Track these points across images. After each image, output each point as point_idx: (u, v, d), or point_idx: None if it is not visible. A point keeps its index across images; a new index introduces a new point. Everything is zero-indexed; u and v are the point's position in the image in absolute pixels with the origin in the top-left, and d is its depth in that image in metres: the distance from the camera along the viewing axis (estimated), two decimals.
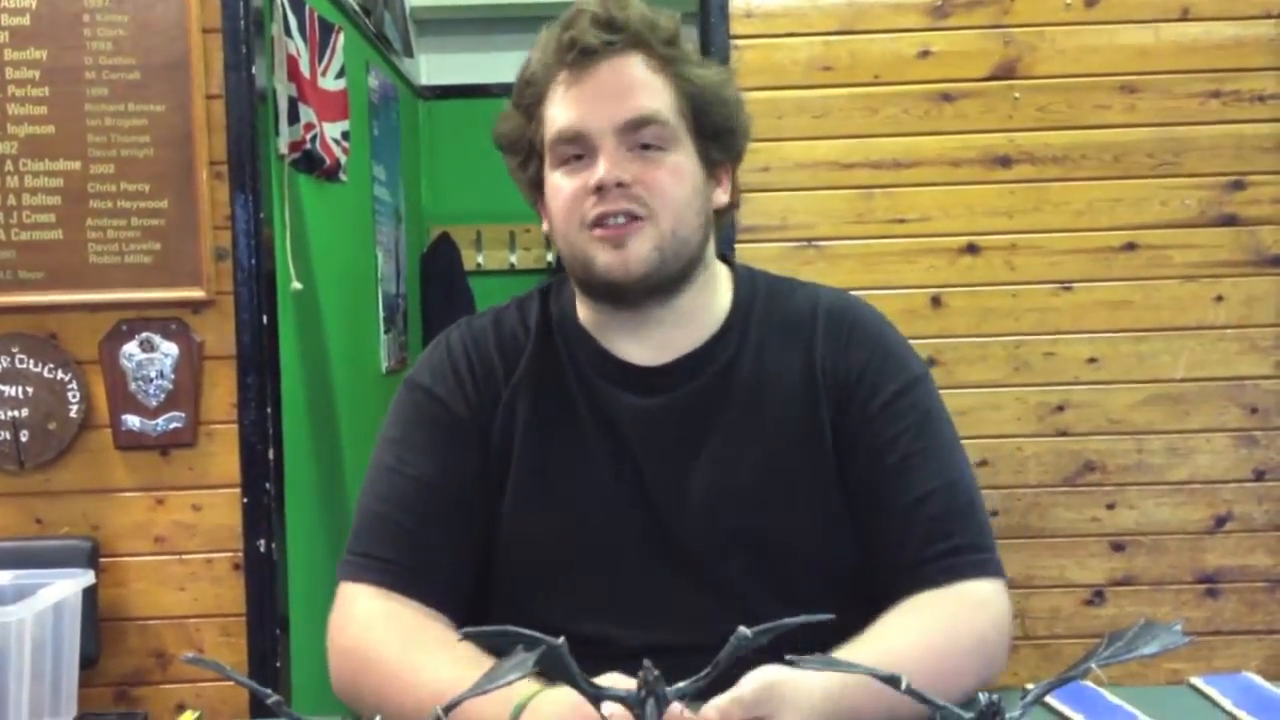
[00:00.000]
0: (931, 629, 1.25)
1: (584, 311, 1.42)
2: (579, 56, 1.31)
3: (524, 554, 1.38)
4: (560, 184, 1.34)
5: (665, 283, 1.34)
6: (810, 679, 1.09)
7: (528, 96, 1.36)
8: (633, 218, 1.30)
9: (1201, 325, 2.73)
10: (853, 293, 1.49)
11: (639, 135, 1.31)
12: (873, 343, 1.40)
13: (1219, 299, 2.72)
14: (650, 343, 1.39)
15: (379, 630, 1.30)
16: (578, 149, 1.33)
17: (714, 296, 1.41)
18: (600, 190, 1.30)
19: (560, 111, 1.33)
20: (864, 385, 1.37)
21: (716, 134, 1.37)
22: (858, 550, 1.36)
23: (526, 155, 1.39)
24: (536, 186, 1.40)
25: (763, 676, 1.07)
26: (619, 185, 1.30)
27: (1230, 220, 2.72)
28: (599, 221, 1.31)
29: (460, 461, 1.38)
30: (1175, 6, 2.71)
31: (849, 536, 1.36)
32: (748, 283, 1.45)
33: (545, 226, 1.41)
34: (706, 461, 1.36)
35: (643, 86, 1.32)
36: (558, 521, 1.37)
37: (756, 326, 1.41)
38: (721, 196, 1.41)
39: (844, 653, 1.14)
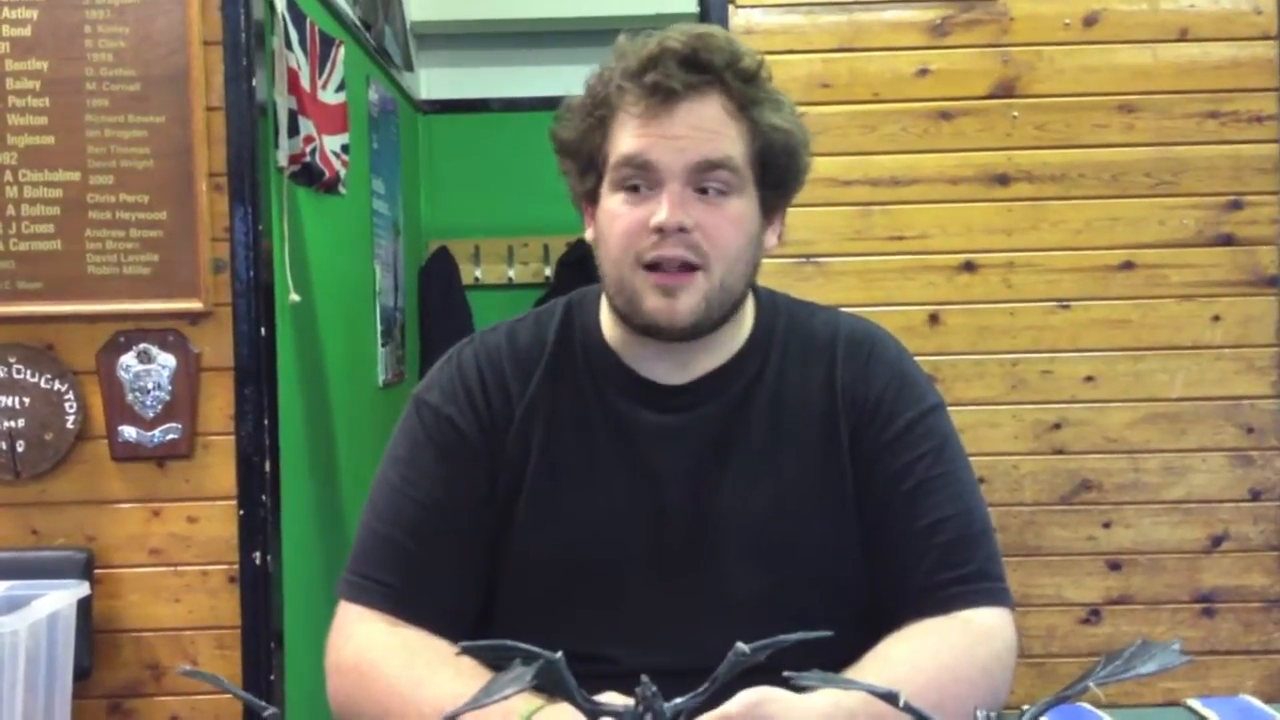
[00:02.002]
0: (934, 657, 1.24)
1: (611, 329, 1.40)
2: (662, 97, 1.28)
3: (533, 574, 1.37)
4: (618, 211, 1.31)
5: (707, 330, 1.34)
6: (802, 700, 1.09)
7: (598, 112, 1.33)
8: (686, 266, 1.29)
9: (1198, 345, 2.73)
10: (856, 311, 1.50)
11: (706, 178, 1.29)
12: (891, 370, 1.40)
13: (1216, 319, 2.73)
14: (675, 363, 1.38)
15: (380, 648, 1.30)
16: (641, 179, 1.30)
17: (740, 319, 1.41)
18: (660, 231, 1.28)
19: (630, 138, 1.30)
20: (881, 411, 1.37)
21: (780, 182, 1.36)
22: (869, 573, 1.36)
23: (585, 166, 1.36)
24: (590, 197, 1.37)
25: (751, 695, 1.06)
26: (680, 230, 1.28)
27: (1227, 240, 2.73)
28: (654, 264, 1.29)
29: (467, 484, 1.36)
30: (1174, 27, 2.72)
31: (863, 561, 1.36)
32: (769, 305, 1.44)
33: (589, 234, 1.39)
34: (725, 481, 1.36)
35: (718, 131, 1.29)
36: (569, 540, 1.36)
37: (778, 348, 1.41)
38: (771, 238, 1.39)
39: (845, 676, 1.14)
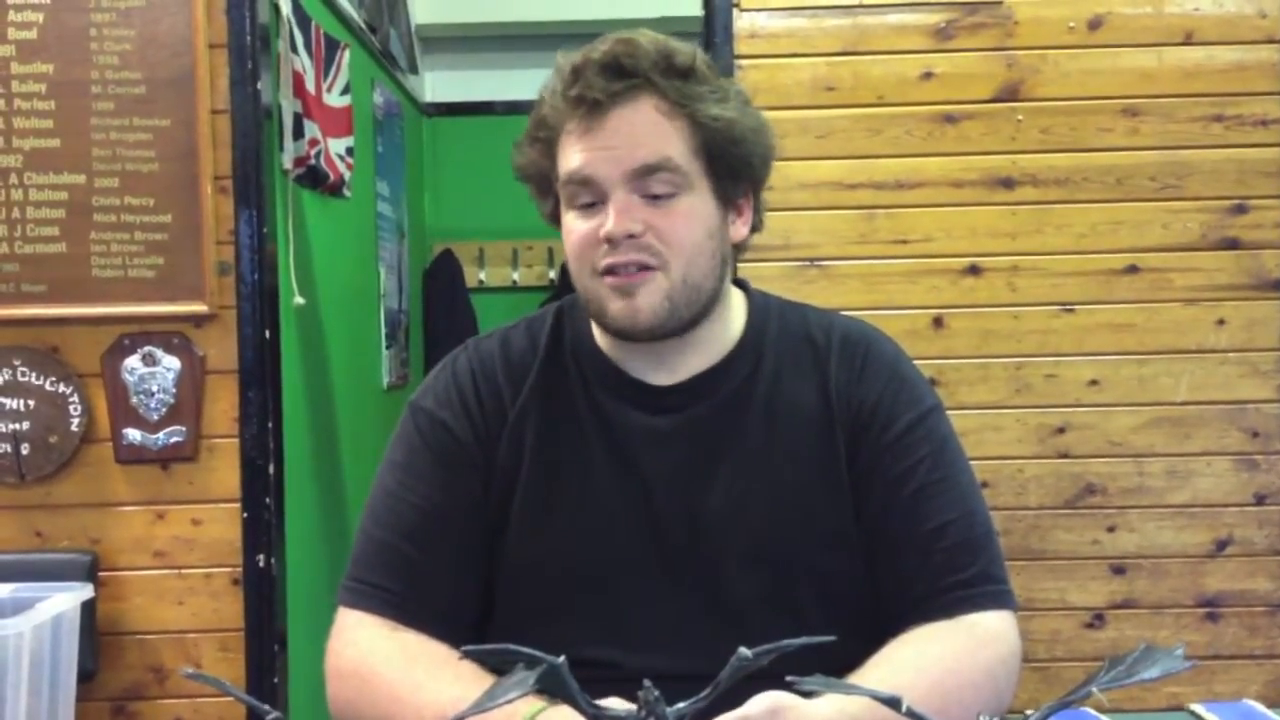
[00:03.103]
0: (938, 661, 1.24)
1: (599, 333, 1.41)
2: (588, 108, 1.29)
3: (529, 578, 1.37)
4: (573, 226, 1.33)
5: (678, 328, 1.34)
6: (815, 708, 1.09)
7: (542, 135, 1.34)
8: (643, 268, 1.29)
9: (1203, 349, 2.73)
10: (857, 315, 1.49)
11: (648, 183, 1.29)
12: (888, 372, 1.40)
13: (1220, 322, 2.73)
14: (665, 365, 1.38)
15: (379, 653, 1.30)
16: (589, 195, 1.31)
17: (728, 320, 1.41)
18: (610, 241, 1.29)
19: (571, 156, 1.31)
20: (879, 416, 1.37)
21: (733, 172, 1.35)
22: (870, 578, 1.36)
23: (544, 189, 1.37)
24: (555, 219, 1.38)
25: (769, 700, 1.07)
26: (629, 236, 1.28)
27: (1232, 244, 2.72)
28: (610, 270, 1.30)
29: (463, 489, 1.37)
30: (1178, 30, 2.72)
31: (862, 564, 1.36)
32: (761, 307, 1.44)
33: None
34: (718, 482, 1.35)
35: (652, 134, 1.29)
36: (563, 544, 1.36)
37: (771, 350, 1.40)
38: (741, 229, 1.39)
39: (849, 680, 1.14)
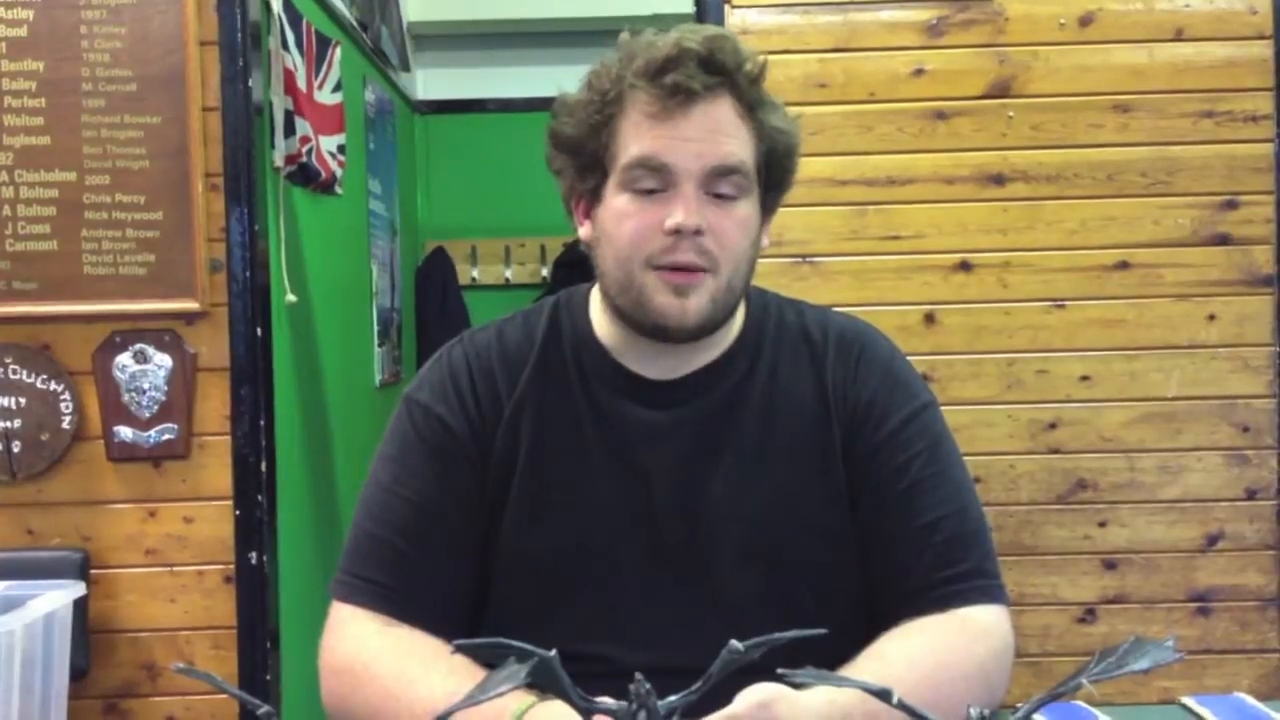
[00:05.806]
0: (930, 654, 1.24)
1: (602, 326, 1.40)
2: (683, 98, 1.28)
3: (524, 572, 1.37)
4: (627, 210, 1.30)
5: (710, 331, 1.34)
6: (805, 699, 1.09)
7: (606, 110, 1.32)
8: (697, 269, 1.29)
9: (1194, 344, 2.73)
10: (849, 311, 1.50)
11: (720, 182, 1.29)
12: (883, 369, 1.40)
13: (1211, 318, 2.73)
14: (666, 361, 1.38)
15: (373, 648, 1.30)
16: (655, 181, 1.29)
17: (731, 318, 1.40)
18: (676, 234, 1.27)
19: (644, 139, 1.29)
20: (874, 412, 1.37)
21: (779, 184, 1.37)
22: (864, 573, 1.36)
23: (588, 164, 1.34)
24: (590, 196, 1.36)
25: (757, 694, 1.07)
26: (695, 233, 1.28)
27: (1223, 240, 2.73)
28: (669, 265, 1.29)
29: (458, 483, 1.36)
30: (1169, 27, 2.73)
31: (857, 559, 1.36)
32: (759, 303, 1.44)
33: (584, 233, 1.38)
34: (717, 478, 1.36)
35: (731, 133, 1.30)
36: (558, 539, 1.36)
37: (769, 346, 1.41)
38: (765, 239, 1.39)
39: (840, 673, 1.14)
